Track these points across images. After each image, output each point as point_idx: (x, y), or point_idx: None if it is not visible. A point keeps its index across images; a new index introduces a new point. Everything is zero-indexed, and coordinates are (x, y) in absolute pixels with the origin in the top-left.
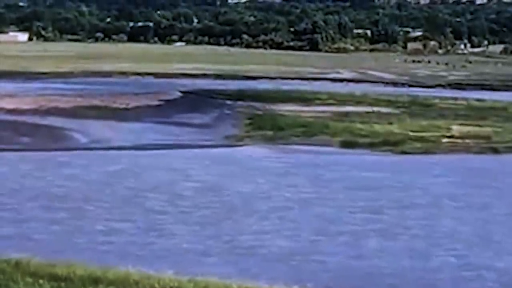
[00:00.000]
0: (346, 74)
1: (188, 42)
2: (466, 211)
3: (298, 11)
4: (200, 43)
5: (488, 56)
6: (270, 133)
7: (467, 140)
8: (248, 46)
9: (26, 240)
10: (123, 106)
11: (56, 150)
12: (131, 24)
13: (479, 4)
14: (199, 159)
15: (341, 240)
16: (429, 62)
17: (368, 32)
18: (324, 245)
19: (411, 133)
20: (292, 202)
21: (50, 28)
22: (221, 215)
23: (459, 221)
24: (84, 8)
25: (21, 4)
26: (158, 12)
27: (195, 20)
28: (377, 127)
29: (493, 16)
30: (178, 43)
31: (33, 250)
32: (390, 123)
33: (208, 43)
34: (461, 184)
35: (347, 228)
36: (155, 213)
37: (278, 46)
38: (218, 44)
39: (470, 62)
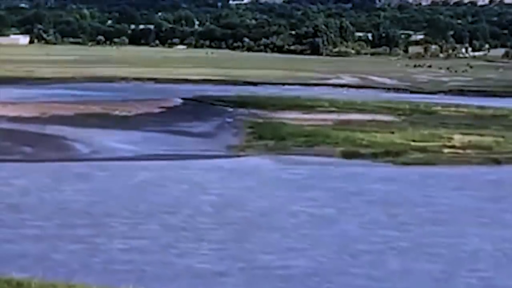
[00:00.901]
0: (347, 79)
1: (189, 45)
2: (489, 227)
3: (299, 13)
4: (201, 46)
5: (489, 61)
6: (271, 142)
7: (468, 151)
8: (249, 49)
9: (44, 260)
10: (124, 113)
11: (61, 160)
12: (133, 26)
13: (481, 6)
14: (210, 171)
15: (364, 260)
16: (430, 66)
17: (369, 35)
18: (346, 265)
19: (412, 143)
20: (313, 217)
21: (51, 31)
22: (243, 232)
23: (482, 238)
24: (85, 11)
25: (22, 5)
26: (160, 13)
27: (196, 23)
28: (378, 137)
29: (494, 18)
30: (179, 46)
31: (50, 270)
32: (392, 132)
33: (209, 46)
34: (479, 198)
35: (370, 247)
36: (176, 230)
37: (280, 49)
38: (220, 47)
39: (471, 67)
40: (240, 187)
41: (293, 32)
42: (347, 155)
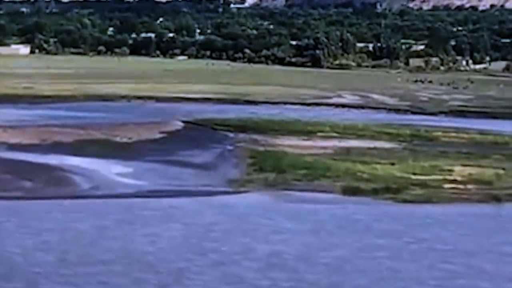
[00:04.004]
0: (348, 98)
1: (190, 56)
2: None
3: (300, 22)
4: (202, 57)
5: (490, 75)
6: (272, 175)
7: (468, 186)
8: (250, 60)
9: None
10: (125, 140)
11: (64, 198)
12: (134, 35)
13: (482, 11)
14: (249, 210)
15: None
16: (430, 81)
17: (370, 46)
18: None
19: (413, 176)
20: (389, 272)
21: (52, 41)
22: None
23: None
24: (86, 20)
25: (23, 10)
26: (161, 19)
27: (197, 31)
28: (379, 169)
29: (495, 26)
30: (180, 57)
31: None
32: (392, 164)
33: (210, 56)
34: None
35: None
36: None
37: (280, 61)
38: (220, 58)
39: (472, 82)
40: (297, 231)
41: (294, 43)
42: (347, 191)
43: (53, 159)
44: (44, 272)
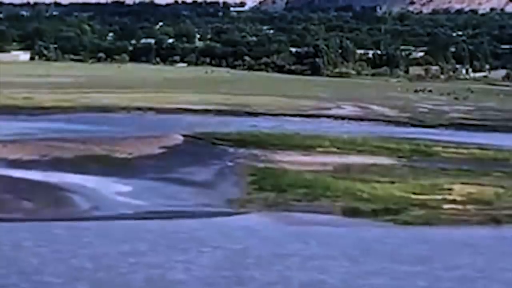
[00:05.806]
0: (348, 110)
1: (189, 63)
2: None
3: (300, 27)
4: (202, 63)
5: (490, 84)
6: (272, 195)
7: (468, 206)
8: (250, 68)
9: None
10: (124, 155)
11: (85, 220)
12: (133, 42)
13: (482, 14)
14: (271, 232)
15: None
16: (430, 91)
17: (370, 52)
18: None
19: (412, 196)
20: None
21: (52, 47)
22: None
23: None
24: (86, 26)
25: (23, 13)
26: (161, 23)
27: (197, 36)
28: (378, 188)
29: (495, 31)
30: (180, 64)
31: None
32: (392, 182)
33: (210, 63)
34: None
35: None
36: None
37: (280, 69)
38: (220, 65)
39: (472, 92)
40: (328, 257)
41: (294, 51)
42: (346, 212)
43: (53, 177)
44: None
